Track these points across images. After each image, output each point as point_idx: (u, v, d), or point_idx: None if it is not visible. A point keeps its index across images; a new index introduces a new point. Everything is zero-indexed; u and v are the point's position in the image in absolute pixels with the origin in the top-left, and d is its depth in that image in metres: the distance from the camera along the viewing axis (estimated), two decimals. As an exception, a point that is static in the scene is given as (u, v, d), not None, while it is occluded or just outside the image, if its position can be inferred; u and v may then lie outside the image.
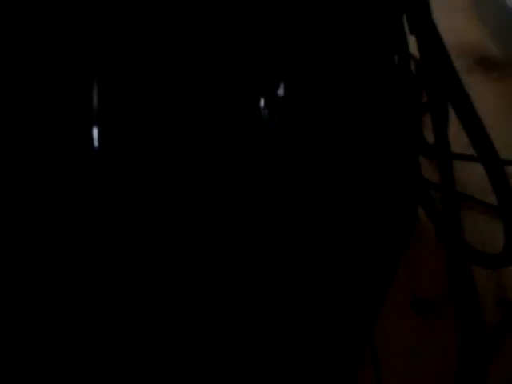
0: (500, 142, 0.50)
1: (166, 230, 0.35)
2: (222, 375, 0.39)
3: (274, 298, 0.40)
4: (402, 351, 0.53)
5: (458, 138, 0.63)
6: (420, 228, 0.60)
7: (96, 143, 0.33)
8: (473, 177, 0.63)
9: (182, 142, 0.35)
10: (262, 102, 0.37)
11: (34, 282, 0.32)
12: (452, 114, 0.51)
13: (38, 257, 0.32)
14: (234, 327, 0.39)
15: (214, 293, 0.37)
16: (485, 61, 0.77)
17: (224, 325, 0.38)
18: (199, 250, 0.36)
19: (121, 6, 0.31)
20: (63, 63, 0.32)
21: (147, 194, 0.34)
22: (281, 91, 0.38)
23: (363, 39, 0.44)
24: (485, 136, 0.48)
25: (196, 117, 0.34)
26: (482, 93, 0.59)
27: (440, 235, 0.56)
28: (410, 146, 0.54)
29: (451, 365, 0.52)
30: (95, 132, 0.33)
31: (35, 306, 0.33)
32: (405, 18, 0.48)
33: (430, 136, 0.64)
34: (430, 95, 0.50)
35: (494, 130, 0.49)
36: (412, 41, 0.48)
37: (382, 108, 0.48)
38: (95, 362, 0.36)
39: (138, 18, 0.32)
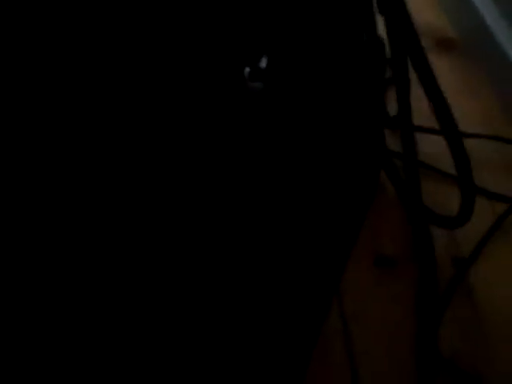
0: (457, 114, 0.55)
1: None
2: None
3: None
4: (364, 304, 0.59)
5: (419, 112, 0.68)
6: (382, 193, 0.65)
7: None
8: (432, 147, 0.69)
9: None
10: (247, 73, 0.42)
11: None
12: (413, 88, 0.56)
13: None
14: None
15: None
16: (443, 41, 0.83)
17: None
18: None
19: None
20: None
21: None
22: (263, 63, 0.42)
23: (336, 19, 0.49)
24: (447, 110, 0.53)
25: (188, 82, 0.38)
26: (440, 70, 0.64)
27: (401, 198, 0.61)
28: (374, 116, 0.59)
29: (410, 314, 0.57)
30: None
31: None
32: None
33: (392, 109, 0.70)
34: (395, 71, 0.55)
35: (451, 103, 0.54)
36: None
37: (350, 81, 0.52)
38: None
39: None
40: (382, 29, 0.53)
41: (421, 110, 0.65)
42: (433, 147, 0.68)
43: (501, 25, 0.75)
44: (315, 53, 0.46)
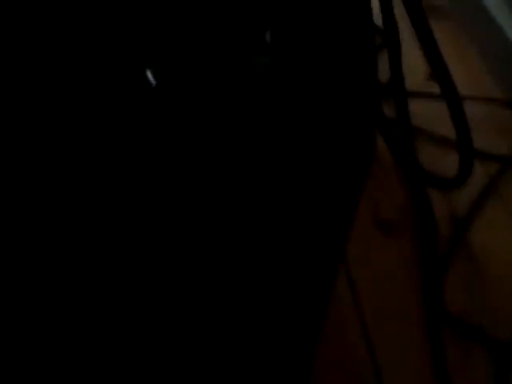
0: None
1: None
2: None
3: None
4: (370, 267, 0.60)
5: (414, 77, 0.70)
6: (379, 160, 0.67)
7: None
8: (425, 112, 0.70)
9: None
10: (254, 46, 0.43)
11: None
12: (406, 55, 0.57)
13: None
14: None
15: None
16: (430, 8, 0.84)
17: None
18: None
19: None
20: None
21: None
22: (268, 37, 0.44)
23: None
24: (447, 73, 0.54)
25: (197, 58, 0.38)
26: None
27: (399, 163, 0.62)
28: (370, 85, 0.60)
29: (415, 274, 0.59)
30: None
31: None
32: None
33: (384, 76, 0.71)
34: (387, 38, 0.56)
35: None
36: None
37: (346, 53, 0.53)
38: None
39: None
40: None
41: (412, 76, 0.66)
42: (426, 112, 0.69)
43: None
44: (313, 26, 0.47)
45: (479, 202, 0.64)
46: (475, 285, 0.59)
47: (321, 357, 0.54)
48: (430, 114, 0.69)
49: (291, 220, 0.47)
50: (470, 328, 0.55)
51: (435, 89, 0.73)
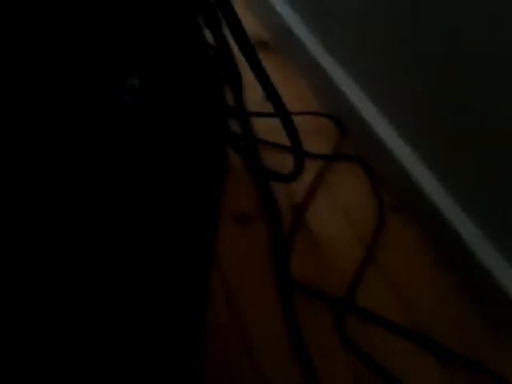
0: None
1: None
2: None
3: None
4: (233, 250, 0.75)
5: (253, 100, 0.86)
6: (233, 167, 0.83)
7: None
8: (266, 126, 0.88)
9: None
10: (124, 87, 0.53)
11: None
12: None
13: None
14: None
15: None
16: (263, 43, 1.04)
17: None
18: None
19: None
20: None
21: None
22: (136, 82, 0.55)
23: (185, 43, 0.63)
24: (277, 96, 0.66)
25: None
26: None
27: (248, 166, 0.78)
28: (219, 110, 0.75)
29: (267, 252, 0.76)
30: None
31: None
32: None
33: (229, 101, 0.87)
34: (229, 73, 0.70)
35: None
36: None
37: (201, 91, 0.67)
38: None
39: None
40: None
41: (251, 99, 0.82)
42: (265, 126, 0.86)
43: (302, 28, 0.94)
44: (173, 74, 0.60)
45: (311, 191, 0.82)
46: (313, 257, 0.75)
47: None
48: (268, 128, 0.86)
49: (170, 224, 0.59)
50: (312, 290, 0.72)
51: (271, 108, 0.90)
